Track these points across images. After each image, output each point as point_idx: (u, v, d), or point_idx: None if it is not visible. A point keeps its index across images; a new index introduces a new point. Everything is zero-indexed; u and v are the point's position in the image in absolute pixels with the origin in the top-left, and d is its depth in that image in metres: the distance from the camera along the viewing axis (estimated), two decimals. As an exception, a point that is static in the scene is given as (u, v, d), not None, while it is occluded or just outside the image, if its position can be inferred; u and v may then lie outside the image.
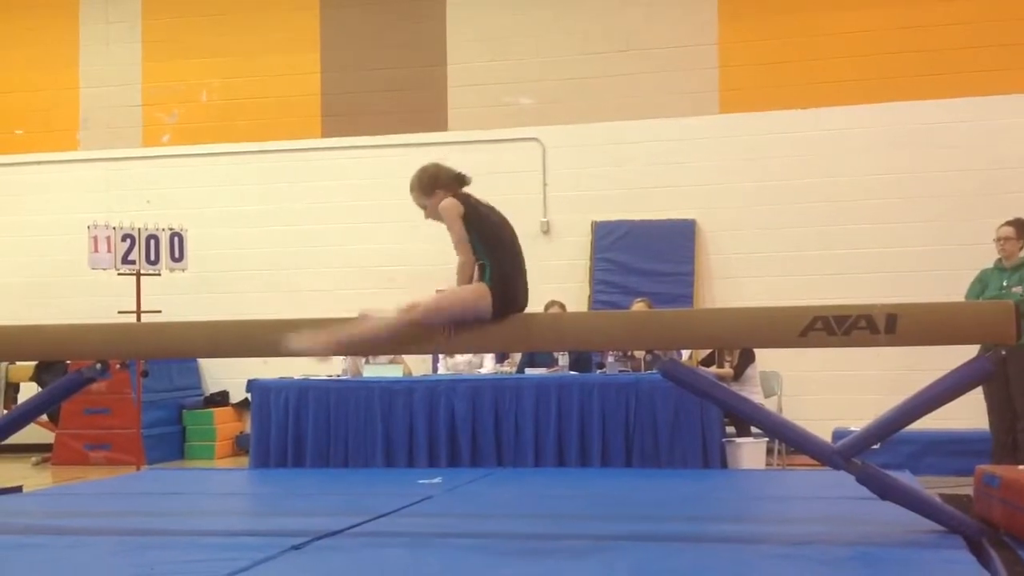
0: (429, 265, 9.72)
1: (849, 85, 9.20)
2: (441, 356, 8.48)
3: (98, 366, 4.69)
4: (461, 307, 4.26)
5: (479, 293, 4.25)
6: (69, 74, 10.55)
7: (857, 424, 6.62)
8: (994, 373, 4.12)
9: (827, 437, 6.29)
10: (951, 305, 4.57)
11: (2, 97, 10.66)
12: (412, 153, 9.93)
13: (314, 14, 10.22)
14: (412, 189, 4.45)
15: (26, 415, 5.00)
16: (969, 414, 6.87)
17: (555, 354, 7.61)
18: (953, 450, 7.38)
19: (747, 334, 4.45)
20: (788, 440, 4.59)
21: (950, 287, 7.92)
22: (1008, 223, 6.97)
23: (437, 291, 4.45)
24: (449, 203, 4.33)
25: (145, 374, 8.37)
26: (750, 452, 6.97)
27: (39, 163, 10.52)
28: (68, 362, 8.28)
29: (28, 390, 9.54)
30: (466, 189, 4.48)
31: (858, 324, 4.05)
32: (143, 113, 10.47)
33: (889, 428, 4.23)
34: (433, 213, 4.42)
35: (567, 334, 4.57)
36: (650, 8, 9.64)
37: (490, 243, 4.33)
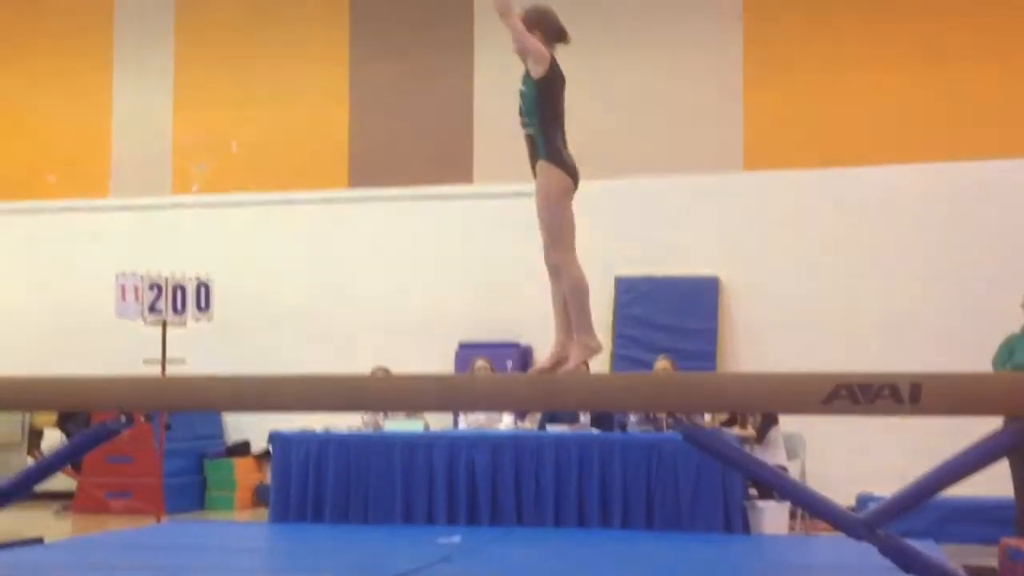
0: (454, 314, 9.77)
1: (876, 144, 9.19)
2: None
3: (123, 419, 4.70)
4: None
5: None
6: (102, 122, 10.71)
7: (881, 488, 6.55)
8: (1018, 445, 4.06)
9: (851, 501, 6.26)
10: (977, 376, 4.52)
11: (36, 144, 10.82)
12: (437, 204, 10.03)
13: (343, 67, 10.35)
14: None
15: (50, 467, 5.01)
16: (995, 481, 6.78)
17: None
18: (978, 518, 7.27)
19: (770, 400, 4.42)
20: (811, 509, 4.54)
21: (979, 351, 7.84)
22: (1032, 288, 6.90)
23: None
24: (541, 48, 4.21)
25: (168, 427, 8.40)
26: (772, 515, 6.90)
27: (70, 210, 10.64)
28: (92, 410, 8.32)
29: (51, 436, 9.61)
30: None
31: (882, 393, 4.00)
32: (173, 162, 10.59)
33: (911, 500, 4.17)
34: (520, 47, 4.27)
35: (589, 395, 4.53)
36: (675, 64, 9.70)
37: (554, 119, 4.25)
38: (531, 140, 4.30)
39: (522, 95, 4.34)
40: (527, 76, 4.31)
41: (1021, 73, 8.97)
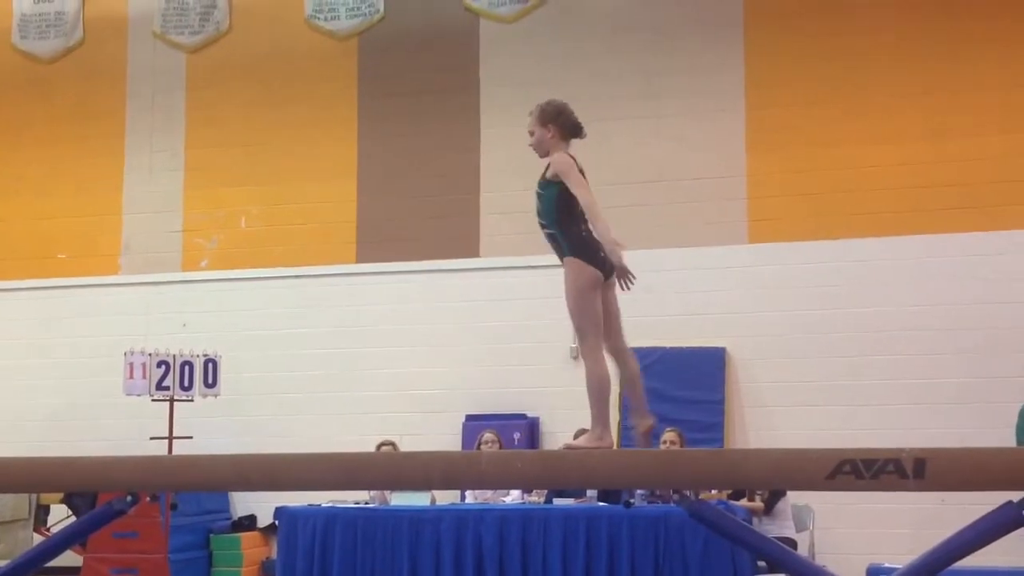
0: (461, 387, 9.77)
1: (879, 217, 9.24)
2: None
3: (128, 499, 4.71)
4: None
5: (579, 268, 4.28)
6: (113, 201, 10.81)
7: (893, 558, 6.49)
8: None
9: (861, 572, 6.23)
10: (982, 451, 4.49)
11: (47, 222, 10.92)
12: (444, 279, 10.09)
13: (351, 144, 10.45)
14: (531, 113, 4.43)
15: (55, 548, 5.03)
16: (1011, 549, 6.73)
17: (584, 484, 7.57)
18: (992, 589, 7.18)
19: (774, 477, 4.41)
20: (818, 586, 4.51)
21: (984, 420, 7.85)
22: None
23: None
24: (564, 159, 4.31)
25: (174, 507, 8.40)
26: (782, 589, 6.83)
27: (80, 287, 10.70)
28: (99, 486, 8.30)
29: (57, 511, 9.59)
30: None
31: (886, 468, 4.00)
32: (183, 239, 10.67)
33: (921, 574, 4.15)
34: (538, 145, 4.39)
35: (594, 473, 4.53)
36: (680, 140, 9.80)
37: (572, 217, 4.31)
38: (553, 239, 4.36)
39: (539, 197, 4.39)
40: (544, 179, 4.38)
41: (1020, 147, 9.05)
